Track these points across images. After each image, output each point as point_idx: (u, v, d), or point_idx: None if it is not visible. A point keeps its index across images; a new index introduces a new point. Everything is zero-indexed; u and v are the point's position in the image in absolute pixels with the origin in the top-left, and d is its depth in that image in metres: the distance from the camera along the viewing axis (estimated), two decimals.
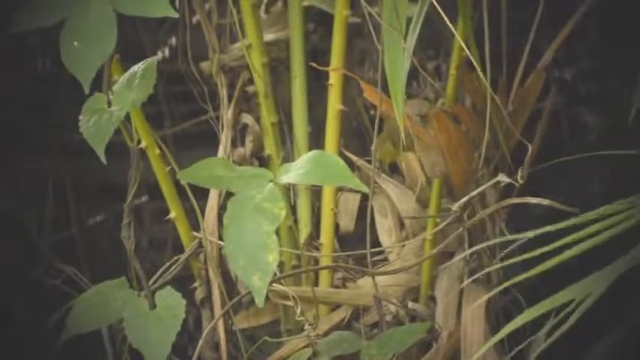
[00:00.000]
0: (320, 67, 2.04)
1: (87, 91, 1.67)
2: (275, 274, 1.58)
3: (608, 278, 1.54)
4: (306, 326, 1.89)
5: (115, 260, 2.01)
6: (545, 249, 1.60)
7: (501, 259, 1.72)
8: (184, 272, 2.06)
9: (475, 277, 1.97)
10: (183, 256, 2.04)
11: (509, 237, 1.70)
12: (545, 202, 1.86)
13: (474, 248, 1.89)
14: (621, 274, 1.52)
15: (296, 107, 2.17)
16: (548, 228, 1.64)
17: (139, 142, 1.92)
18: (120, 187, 1.96)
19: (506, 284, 1.64)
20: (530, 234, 1.65)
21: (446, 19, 1.71)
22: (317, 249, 2.13)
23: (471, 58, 1.76)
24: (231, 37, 2.20)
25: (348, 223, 2.15)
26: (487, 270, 1.91)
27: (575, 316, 1.51)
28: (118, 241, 1.89)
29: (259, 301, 1.53)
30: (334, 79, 2.10)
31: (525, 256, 1.62)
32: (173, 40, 2.42)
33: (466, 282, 2.04)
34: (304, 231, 2.14)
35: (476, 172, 1.99)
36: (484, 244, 1.90)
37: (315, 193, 2.16)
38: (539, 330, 1.58)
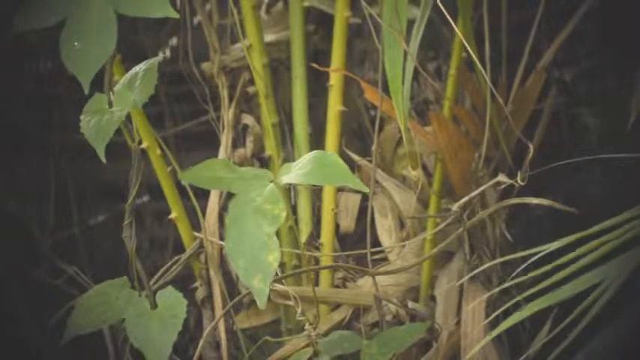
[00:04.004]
0: (321, 68, 2.04)
1: (87, 91, 1.67)
2: (276, 274, 1.58)
3: (606, 278, 1.54)
4: (307, 326, 1.89)
5: (116, 260, 2.01)
6: (551, 266, 1.61)
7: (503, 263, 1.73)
8: (185, 272, 2.06)
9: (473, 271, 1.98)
10: (184, 256, 2.04)
11: (519, 254, 1.71)
12: (546, 202, 1.87)
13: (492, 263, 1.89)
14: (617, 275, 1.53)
15: (296, 108, 2.17)
16: (556, 244, 1.65)
17: (140, 142, 1.93)
18: (121, 187, 1.97)
19: (506, 284, 1.65)
20: (537, 249, 1.66)
21: (451, 20, 1.71)
22: (317, 249, 2.13)
23: (473, 57, 1.76)
24: (232, 37, 2.21)
25: (348, 223, 2.15)
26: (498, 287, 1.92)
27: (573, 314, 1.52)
28: (119, 241, 1.89)
29: (261, 302, 1.54)
30: (335, 80, 2.10)
31: (524, 253, 1.63)
32: (174, 41, 2.43)
33: (466, 281, 2.04)
34: (305, 231, 2.14)
35: (476, 173, 2.00)
36: (495, 262, 1.90)
37: (316, 193, 2.17)
38: (539, 329, 1.59)
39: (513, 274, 1.70)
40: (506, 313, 1.66)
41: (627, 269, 1.53)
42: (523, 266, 1.66)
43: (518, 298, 1.65)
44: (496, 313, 1.68)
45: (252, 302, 2.08)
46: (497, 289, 1.74)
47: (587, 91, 2.47)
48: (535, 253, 1.66)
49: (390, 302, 2.00)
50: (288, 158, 2.16)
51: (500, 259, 1.88)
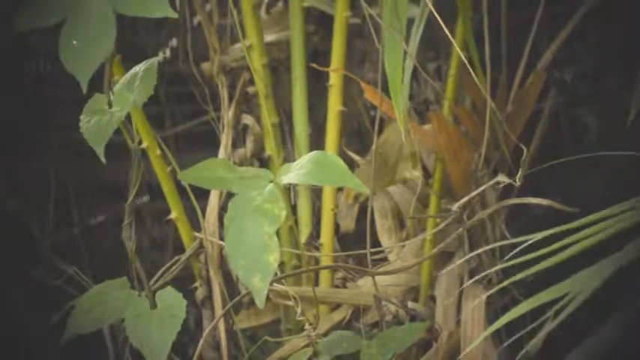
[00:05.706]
0: (320, 68, 2.05)
1: (85, 90, 1.67)
2: (276, 274, 1.58)
3: (602, 273, 1.54)
4: (307, 326, 1.89)
5: (116, 260, 2.01)
6: (546, 250, 1.61)
7: (502, 260, 1.73)
8: (185, 272, 2.06)
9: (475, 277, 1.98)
10: (183, 256, 2.05)
11: (513, 240, 1.71)
12: (545, 202, 1.87)
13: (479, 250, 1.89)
14: (615, 271, 1.53)
15: (296, 108, 2.17)
16: (551, 231, 1.65)
17: (140, 142, 1.93)
18: (121, 187, 1.97)
19: (506, 282, 1.65)
20: (535, 236, 1.66)
21: (444, 26, 1.71)
22: (317, 249, 2.13)
23: (466, 62, 1.76)
24: (232, 37, 2.21)
25: (348, 223, 2.15)
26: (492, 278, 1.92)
27: (571, 308, 1.52)
28: (119, 241, 1.89)
29: (260, 302, 1.54)
30: (334, 80, 2.10)
31: (526, 256, 1.63)
32: (174, 41, 2.43)
33: (466, 281, 2.05)
34: (305, 231, 2.14)
35: (476, 173, 2.00)
36: (486, 247, 1.90)
37: (316, 193, 2.17)
38: (537, 326, 1.59)
39: (507, 266, 1.70)
40: (506, 311, 1.66)
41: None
42: (513, 255, 1.66)
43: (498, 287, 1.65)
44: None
45: (252, 302, 2.09)
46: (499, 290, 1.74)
47: (587, 91, 2.47)
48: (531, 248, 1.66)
49: (389, 302, 2.00)
50: (288, 158, 2.16)
51: (492, 246, 1.88)
